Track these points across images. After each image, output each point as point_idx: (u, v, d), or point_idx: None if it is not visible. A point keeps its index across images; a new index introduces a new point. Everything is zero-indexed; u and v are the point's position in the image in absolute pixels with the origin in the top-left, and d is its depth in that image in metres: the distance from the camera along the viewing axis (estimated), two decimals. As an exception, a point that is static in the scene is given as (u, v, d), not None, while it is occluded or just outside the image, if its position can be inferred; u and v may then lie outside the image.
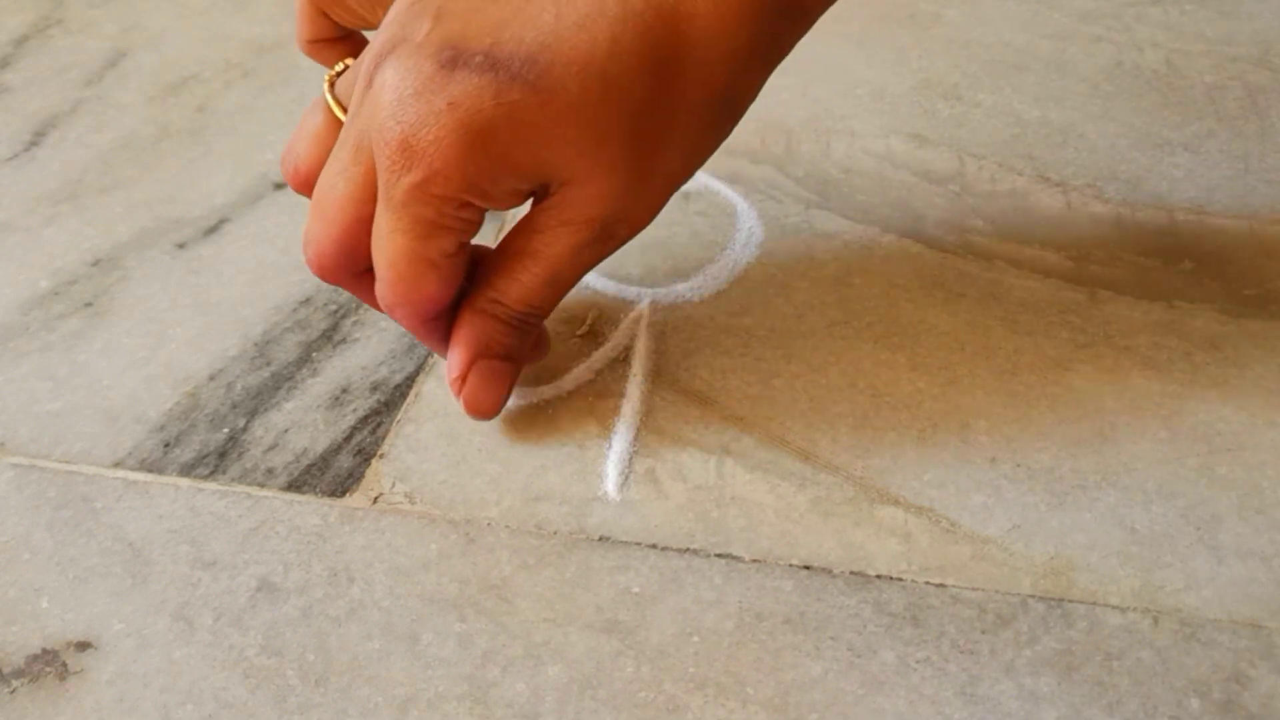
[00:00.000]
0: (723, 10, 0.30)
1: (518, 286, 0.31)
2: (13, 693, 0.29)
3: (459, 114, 0.26)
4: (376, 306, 0.32)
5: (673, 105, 0.29)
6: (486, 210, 0.30)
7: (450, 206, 0.28)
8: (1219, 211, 0.44)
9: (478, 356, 0.32)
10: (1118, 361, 0.38)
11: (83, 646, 0.31)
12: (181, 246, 0.44)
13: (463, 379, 0.32)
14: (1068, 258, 0.42)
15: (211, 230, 0.45)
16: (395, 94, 0.27)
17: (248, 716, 0.29)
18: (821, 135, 0.49)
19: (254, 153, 0.49)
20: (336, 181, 0.29)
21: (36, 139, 0.50)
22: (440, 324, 0.32)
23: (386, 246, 0.28)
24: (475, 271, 0.32)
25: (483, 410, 0.33)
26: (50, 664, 0.30)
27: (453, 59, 0.27)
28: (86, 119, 0.51)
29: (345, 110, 0.30)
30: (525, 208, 0.32)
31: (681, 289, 0.41)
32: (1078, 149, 0.48)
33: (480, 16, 0.27)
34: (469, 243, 0.31)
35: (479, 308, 0.31)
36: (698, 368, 0.38)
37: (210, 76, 0.53)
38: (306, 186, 0.32)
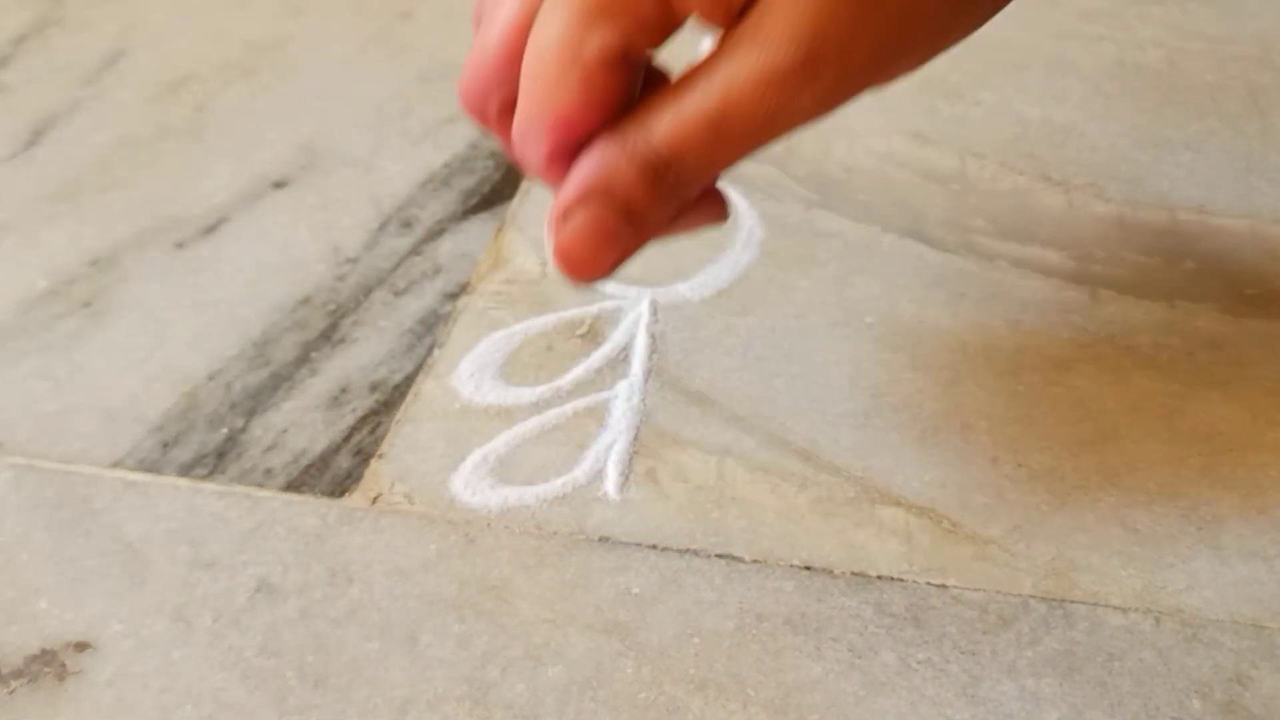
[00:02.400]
0: None
1: (673, 119, 0.23)
2: (11, 693, 0.29)
3: None
4: (513, 154, 0.27)
5: None
6: (663, 37, 0.24)
7: None
8: (1221, 211, 0.44)
9: (592, 195, 0.24)
10: (1119, 361, 0.38)
11: (81, 647, 0.31)
12: (180, 246, 0.44)
13: (564, 216, 0.24)
14: (1069, 257, 0.42)
15: (211, 230, 0.45)
16: None
17: (247, 717, 0.29)
18: (822, 134, 0.49)
19: (254, 152, 0.48)
20: None
21: (35, 138, 0.50)
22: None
23: (539, 32, 0.23)
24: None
25: (576, 267, 0.25)
26: (49, 664, 0.30)
27: None
28: (85, 118, 0.51)
29: None
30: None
31: (682, 289, 0.41)
32: (1079, 148, 0.47)
33: None
34: (636, 71, 0.24)
35: (615, 136, 0.24)
36: (698, 368, 0.38)
37: (210, 76, 0.53)
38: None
